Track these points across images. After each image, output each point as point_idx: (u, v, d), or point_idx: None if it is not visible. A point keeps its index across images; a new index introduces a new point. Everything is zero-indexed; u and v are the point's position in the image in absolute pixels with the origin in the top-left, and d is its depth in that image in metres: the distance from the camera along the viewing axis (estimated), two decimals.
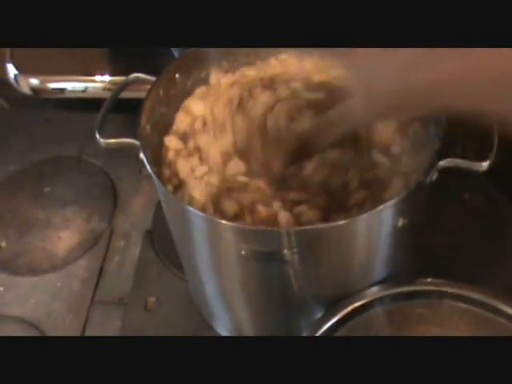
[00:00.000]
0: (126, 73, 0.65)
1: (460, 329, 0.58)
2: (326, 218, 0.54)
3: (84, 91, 0.93)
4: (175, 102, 0.65)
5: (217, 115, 0.63)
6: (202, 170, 0.59)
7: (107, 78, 0.93)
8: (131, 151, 0.57)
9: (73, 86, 0.94)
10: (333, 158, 0.58)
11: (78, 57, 0.96)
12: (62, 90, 0.95)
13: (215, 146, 0.61)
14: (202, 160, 0.60)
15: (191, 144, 0.62)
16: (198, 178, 0.59)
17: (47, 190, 0.91)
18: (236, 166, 0.59)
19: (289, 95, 0.63)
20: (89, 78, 0.93)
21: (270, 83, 0.65)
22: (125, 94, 0.65)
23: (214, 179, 0.58)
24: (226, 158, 0.60)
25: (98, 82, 0.93)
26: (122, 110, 0.61)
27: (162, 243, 0.80)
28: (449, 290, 0.59)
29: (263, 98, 0.62)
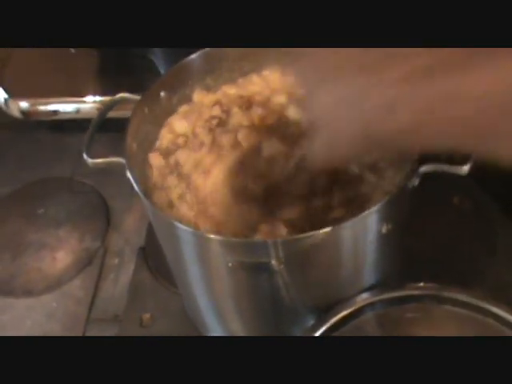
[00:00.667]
0: (117, 92, 0.66)
1: (451, 332, 0.58)
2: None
3: (77, 112, 0.95)
4: (160, 120, 0.66)
5: (197, 133, 0.64)
6: (180, 188, 0.60)
7: (98, 98, 0.94)
8: (123, 169, 0.57)
9: (65, 107, 0.95)
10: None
11: (68, 78, 0.97)
12: (56, 112, 0.96)
13: (192, 158, 0.61)
14: (180, 177, 0.61)
15: (172, 159, 0.62)
16: (180, 198, 0.60)
17: (40, 211, 0.92)
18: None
19: (262, 115, 0.63)
20: (80, 99, 0.95)
21: (248, 102, 0.65)
22: (115, 114, 0.66)
23: (190, 196, 0.59)
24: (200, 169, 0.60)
25: (90, 103, 0.94)
26: (111, 130, 0.62)
27: (156, 260, 0.81)
28: (439, 293, 0.60)
29: (235, 120, 0.63)
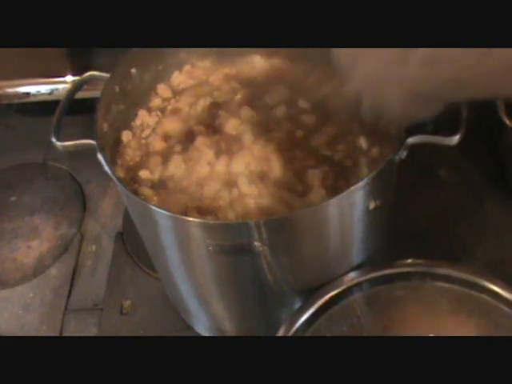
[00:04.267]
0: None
1: (442, 308, 0.57)
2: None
3: (50, 94, 0.91)
4: (133, 98, 0.63)
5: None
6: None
7: (73, 78, 0.90)
8: (96, 152, 0.54)
9: (37, 89, 0.91)
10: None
11: (39, 58, 0.93)
12: (27, 94, 0.92)
13: None
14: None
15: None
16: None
17: (13, 199, 0.89)
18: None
19: None
20: (53, 79, 0.91)
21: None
22: (87, 94, 0.63)
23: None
24: None
25: (64, 84, 0.90)
26: (85, 111, 0.59)
27: (134, 244, 0.78)
28: (428, 270, 0.58)
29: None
